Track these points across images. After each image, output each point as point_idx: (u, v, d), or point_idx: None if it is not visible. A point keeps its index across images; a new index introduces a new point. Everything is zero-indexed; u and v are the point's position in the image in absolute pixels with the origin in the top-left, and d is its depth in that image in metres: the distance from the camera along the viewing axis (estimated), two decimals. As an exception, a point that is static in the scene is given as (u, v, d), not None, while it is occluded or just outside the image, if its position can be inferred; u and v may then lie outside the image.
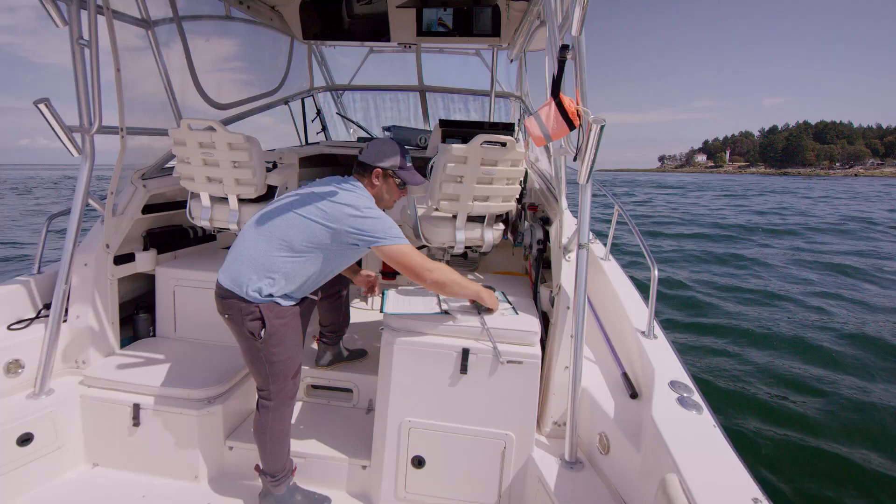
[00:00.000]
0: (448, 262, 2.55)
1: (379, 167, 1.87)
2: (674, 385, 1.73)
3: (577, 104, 1.80)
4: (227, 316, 1.78)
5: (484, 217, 2.29)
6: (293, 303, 1.82)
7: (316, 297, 2.01)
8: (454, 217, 2.28)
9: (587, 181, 1.82)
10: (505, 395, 1.90)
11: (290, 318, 1.80)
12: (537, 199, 2.92)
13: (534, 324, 1.95)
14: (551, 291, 2.17)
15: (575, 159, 1.84)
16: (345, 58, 4.52)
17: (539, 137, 1.84)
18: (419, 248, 3.21)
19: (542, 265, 2.36)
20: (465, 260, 3.25)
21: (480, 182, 2.14)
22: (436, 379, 1.91)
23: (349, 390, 2.50)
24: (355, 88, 4.62)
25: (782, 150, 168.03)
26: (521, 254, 3.31)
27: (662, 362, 1.86)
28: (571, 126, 1.81)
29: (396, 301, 2.05)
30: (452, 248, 2.30)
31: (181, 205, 2.82)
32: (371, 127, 4.63)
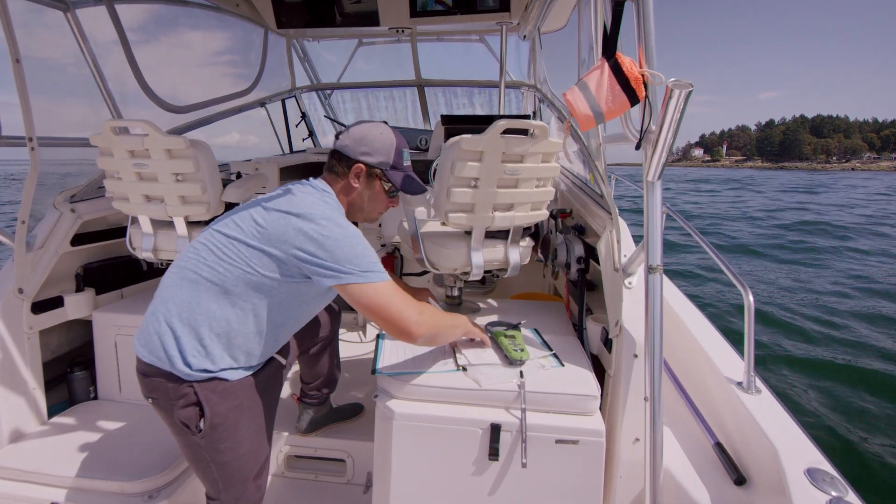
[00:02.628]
0: (460, 290, 1.99)
1: (363, 162, 1.31)
2: (813, 476, 1.16)
3: (641, 67, 1.25)
4: (151, 400, 1.22)
5: (507, 232, 1.73)
6: (248, 373, 1.25)
7: (284, 361, 1.43)
8: (468, 233, 1.73)
9: (657, 177, 1.28)
10: (554, 487, 1.33)
11: (245, 397, 1.24)
12: (566, 204, 2.37)
13: (588, 382, 1.39)
14: (605, 329, 1.61)
15: (638, 147, 1.30)
16: (331, 54, 4.00)
17: (586, 116, 1.29)
18: (421, 274, 2.66)
19: (584, 292, 1.80)
20: (483, 285, 2.69)
21: (502, 186, 1.58)
22: (453, 467, 1.34)
23: (341, 461, 1.93)
24: (344, 87, 4.09)
25: (779, 144, 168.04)
26: (546, 269, 2.75)
27: (782, 434, 1.30)
28: (634, 99, 1.27)
29: (393, 353, 1.50)
30: (467, 273, 1.74)
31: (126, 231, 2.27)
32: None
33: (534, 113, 3.34)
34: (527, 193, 1.63)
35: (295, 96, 3.89)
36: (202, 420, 1.18)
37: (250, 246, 1.15)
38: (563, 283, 2.31)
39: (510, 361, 1.43)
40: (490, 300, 2.09)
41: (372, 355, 1.56)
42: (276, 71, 3.64)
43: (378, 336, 1.63)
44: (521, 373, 1.37)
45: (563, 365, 1.46)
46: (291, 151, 3.96)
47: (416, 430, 1.34)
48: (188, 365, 1.16)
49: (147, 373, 1.19)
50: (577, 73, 1.94)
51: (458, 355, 1.47)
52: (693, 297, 2.13)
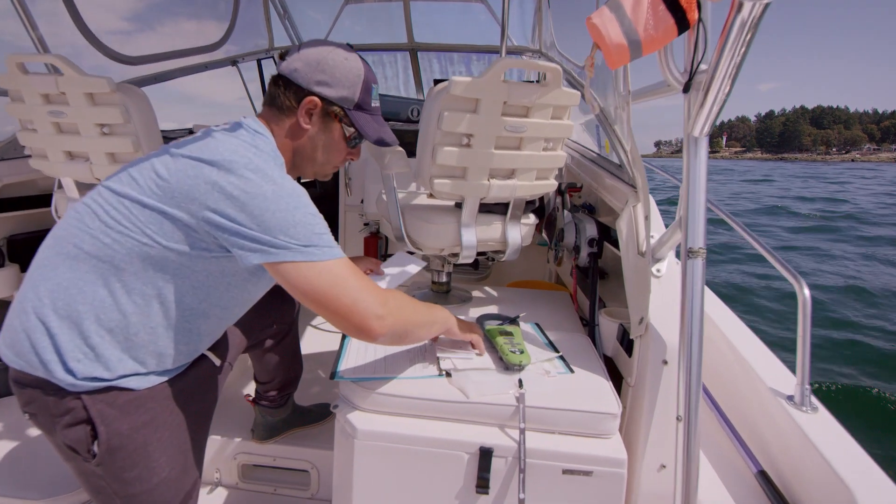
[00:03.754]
0: (449, 276, 1.68)
1: (318, 94, 0.96)
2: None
3: (691, -18, 0.94)
4: (28, 415, 0.91)
5: (506, 206, 1.42)
6: (163, 379, 0.94)
7: (218, 362, 1.11)
8: (458, 206, 1.42)
9: (705, 132, 0.99)
10: (560, 527, 1.04)
11: (159, 410, 0.93)
12: (573, 178, 2.05)
13: (606, 394, 1.09)
14: (623, 326, 1.31)
15: (686, 89, 0.99)
16: (315, 12, 3.62)
17: (618, 48, 0.97)
18: (408, 254, 2.35)
19: (597, 280, 1.49)
20: (475, 270, 2.38)
21: (502, 146, 1.26)
22: (431, 501, 1.05)
23: (304, 471, 1.64)
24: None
25: (779, 135, 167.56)
26: (547, 254, 2.45)
27: (851, 461, 1.02)
28: (683, 24, 0.96)
29: (360, 353, 1.19)
30: (457, 255, 1.43)
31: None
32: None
33: (536, 82, 2.99)
34: (532, 157, 1.31)
35: (273, 57, 3.51)
36: (95, 442, 0.88)
37: (146, 206, 0.83)
38: (567, 269, 2.01)
39: (506, 366, 1.13)
40: (486, 288, 1.79)
41: (334, 349, 1.25)
42: (252, 28, 3.27)
43: (343, 339, 1.32)
44: (520, 381, 1.08)
45: (571, 371, 1.16)
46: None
47: (383, 453, 1.04)
48: (71, 372, 0.84)
49: (20, 381, 0.88)
50: None
51: (440, 357, 1.17)
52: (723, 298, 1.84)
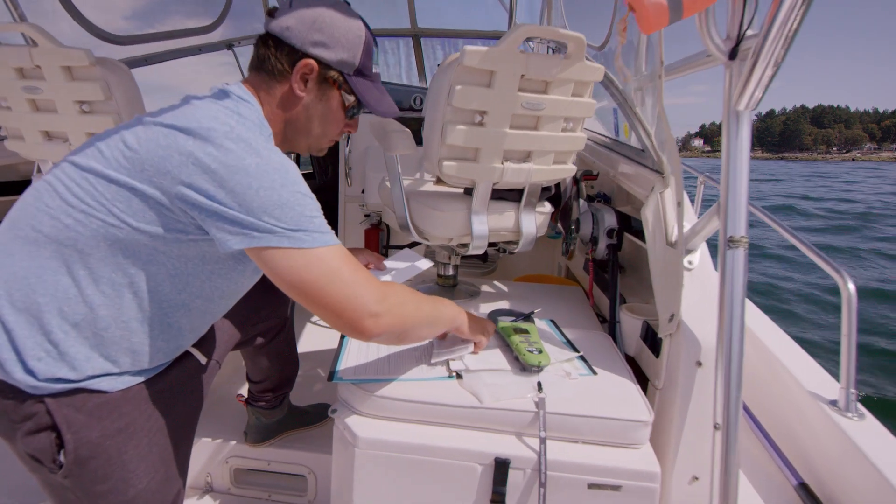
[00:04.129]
0: (456, 268, 1.57)
1: (315, 57, 0.84)
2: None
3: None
4: None
5: (519, 192, 1.31)
6: (139, 379, 0.83)
7: (204, 359, 1.00)
8: (468, 193, 1.30)
9: (752, 105, 0.89)
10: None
11: (135, 415, 0.82)
12: (586, 165, 1.94)
13: (634, 398, 0.98)
14: (647, 324, 1.20)
15: (734, 55, 0.89)
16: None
17: (656, 7, 0.86)
18: (412, 245, 2.24)
19: (617, 274, 1.38)
20: (484, 263, 2.27)
21: (518, 125, 1.15)
22: (442, 517, 0.94)
23: (301, 476, 1.54)
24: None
25: (779, 134, 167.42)
26: (560, 246, 2.34)
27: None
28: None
29: (362, 351, 1.08)
30: (465, 246, 1.32)
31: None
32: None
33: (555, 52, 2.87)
34: (550, 138, 1.19)
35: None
36: (61, 452, 0.77)
37: (112, 181, 0.72)
38: (579, 263, 1.91)
39: (523, 367, 1.03)
40: (494, 282, 1.68)
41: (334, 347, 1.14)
42: (249, 11, 3.14)
43: (342, 339, 1.21)
44: (539, 384, 0.97)
45: (594, 373, 1.06)
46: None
47: (387, 463, 0.94)
48: (31, 373, 0.73)
49: None
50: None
51: (437, 355, 1.06)
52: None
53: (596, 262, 1.52)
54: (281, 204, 0.71)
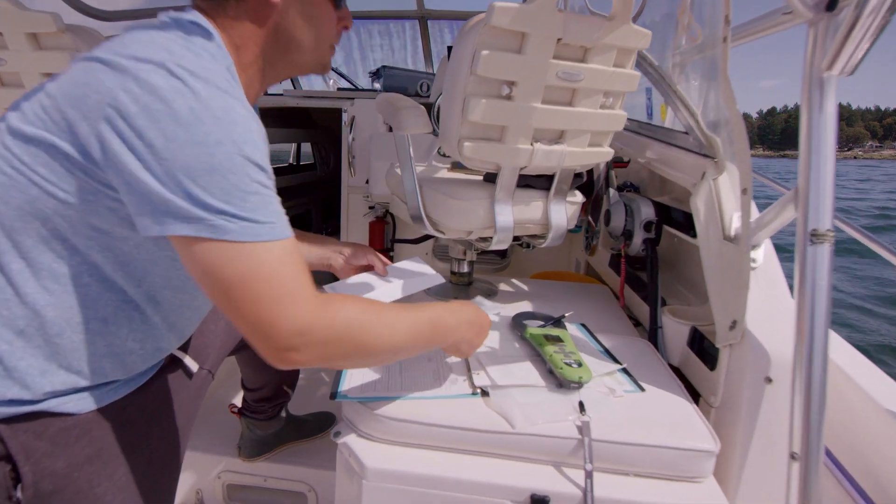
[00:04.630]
0: (472, 265, 1.42)
1: None
2: None
3: None
4: None
5: (548, 179, 1.14)
6: (113, 397, 0.67)
7: (195, 366, 0.83)
8: (488, 179, 1.15)
9: (848, 70, 0.74)
10: None
11: (104, 440, 0.66)
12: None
13: (694, 422, 0.83)
14: (696, 330, 1.05)
15: (832, 5, 0.73)
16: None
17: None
18: (417, 241, 2.07)
19: (657, 272, 1.23)
20: (503, 259, 2.11)
21: (550, 99, 0.99)
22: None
23: (300, 494, 1.39)
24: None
25: (781, 132, 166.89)
26: (574, 241, 2.18)
27: None
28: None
29: (366, 368, 0.93)
30: (486, 240, 1.16)
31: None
32: (354, 73, 3.44)
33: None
34: (587, 116, 1.03)
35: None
36: (19, 487, 0.62)
37: (29, 139, 0.55)
38: (603, 259, 1.75)
39: (559, 382, 0.87)
40: (513, 280, 1.52)
41: None
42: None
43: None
44: (581, 404, 0.81)
45: (641, 389, 0.90)
46: (266, 93, 3.31)
47: (400, 498, 0.78)
48: None
49: None
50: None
51: (473, 370, 0.90)
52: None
53: (629, 259, 1.36)
54: (211, 168, 0.52)
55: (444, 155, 2.12)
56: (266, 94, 3.26)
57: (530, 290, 1.50)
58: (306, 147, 3.94)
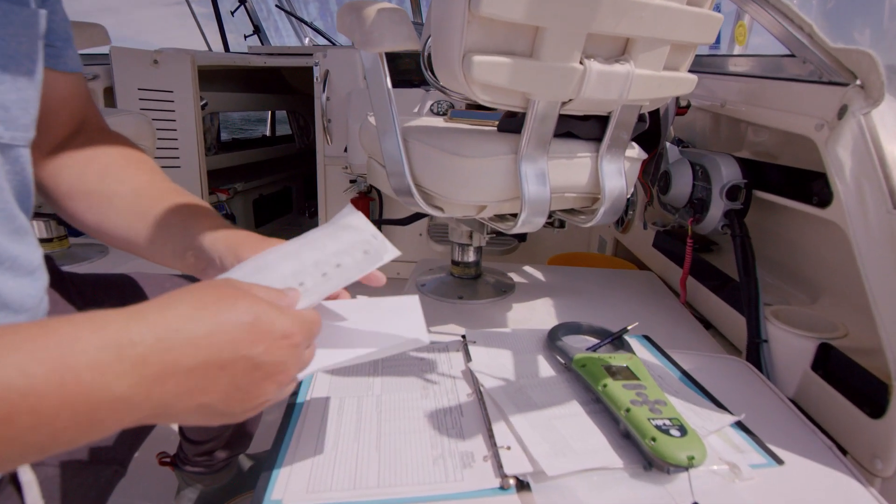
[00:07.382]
0: (480, 251, 1.05)
1: None
2: None
3: None
4: None
5: (600, 125, 0.76)
6: None
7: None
8: (507, 127, 0.76)
9: None
10: None
11: None
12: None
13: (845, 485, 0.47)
14: (826, 346, 0.68)
15: None
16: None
17: None
18: (407, 221, 1.67)
19: (752, 258, 0.85)
20: (522, 241, 1.73)
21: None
22: None
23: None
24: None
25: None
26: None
27: None
28: None
29: (314, 447, 0.56)
30: (506, 219, 0.79)
31: None
32: (332, 28, 2.98)
33: None
34: (668, 13, 0.64)
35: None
36: None
37: None
38: (639, 239, 1.38)
39: (650, 460, 0.51)
40: (525, 268, 1.15)
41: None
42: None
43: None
44: (688, 466, 0.46)
45: (778, 462, 0.54)
46: (227, 51, 2.86)
47: None
48: None
49: None
50: None
51: (498, 441, 0.54)
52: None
53: (696, 238, 0.99)
54: None
55: (438, 113, 1.71)
56: (227, 51, 2.83)
57: (552, 280, 1.13)
58: (283, 116, 3.51)
